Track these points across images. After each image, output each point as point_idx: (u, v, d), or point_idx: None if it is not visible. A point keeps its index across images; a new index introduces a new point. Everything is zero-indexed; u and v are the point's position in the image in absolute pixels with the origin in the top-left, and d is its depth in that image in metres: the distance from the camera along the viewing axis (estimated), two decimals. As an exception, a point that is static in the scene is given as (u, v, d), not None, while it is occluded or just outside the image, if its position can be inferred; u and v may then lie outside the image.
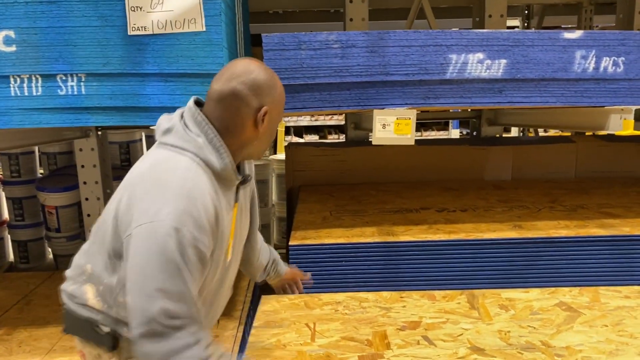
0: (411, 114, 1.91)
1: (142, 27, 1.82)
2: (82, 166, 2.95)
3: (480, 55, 1.96)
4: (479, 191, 2.81)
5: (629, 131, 1.90)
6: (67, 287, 1.38)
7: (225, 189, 1.30)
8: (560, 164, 3.06)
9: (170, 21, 1.83)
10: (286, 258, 2.18)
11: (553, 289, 1.79)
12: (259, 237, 1.70)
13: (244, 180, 1.37)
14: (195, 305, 1.17)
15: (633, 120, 1.91)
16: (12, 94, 1.81)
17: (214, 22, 1.84)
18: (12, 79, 1.81)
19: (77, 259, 1.39)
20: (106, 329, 1.29)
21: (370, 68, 1.95)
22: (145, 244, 1.13)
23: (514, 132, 5.03)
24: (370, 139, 1.97)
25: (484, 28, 2.95)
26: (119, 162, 3.59)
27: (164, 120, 1.32)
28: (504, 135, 4.81)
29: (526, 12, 3.96)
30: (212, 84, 1.30)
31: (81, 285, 1.33)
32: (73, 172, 3.10)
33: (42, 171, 3.65)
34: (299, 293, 1.84)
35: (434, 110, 3.51)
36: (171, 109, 1.89)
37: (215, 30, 1.85)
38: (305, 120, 6.81)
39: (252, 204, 1.57)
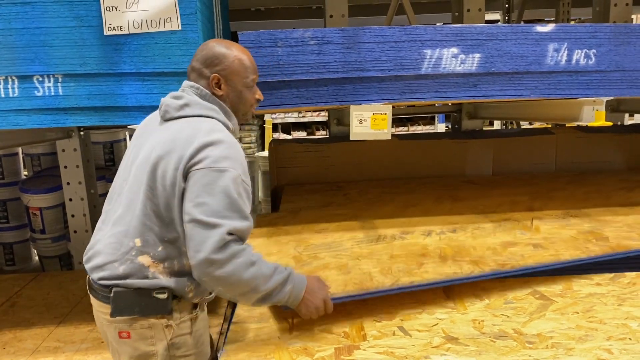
0: (387, 109, 1.93)
1: (118, 27, 1.83)
2: (65, 167, 2.96)
3: (454, 50, 1.98)
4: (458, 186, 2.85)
5: (601, 122, 1.93)
6: (114, 271, 1.43)
7: None
8: (540, 156, 3.10)
9: (146, 20, 1.84)
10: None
11: (527, 278, 1.83)
12: None
13: None
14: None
15: (605, 112, 1.95)
16: (-12, 95, 1.82)
17: (190, 21, 1.86)
18: (-13, 81, 1.81)
19: (113, 242, 1.45)
20: (163, 295, 1.41)
21: (346, 64, 1.97)
22: (205, 184, 1.36)
23: (497, 124, 5.08)
24: (353, 134, 2.02)
25: (462, 22, 2.98)
26: (103, 162, 3.60)
27: (172, 100, 1.52)
28: (487, 128, 4.86)
29: (507, 5, 3.99)
30: None
31: (133, 261, 1.42)
32: (57, 173, 3.10)
33: (26, 173, 3.65)
34: None
35: (419, 105, 3.54)
36: (149, 108, 1.93)
37: (191, 29, 1.86)
38: (292, 117, 6.82)
39: None
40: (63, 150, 2.92)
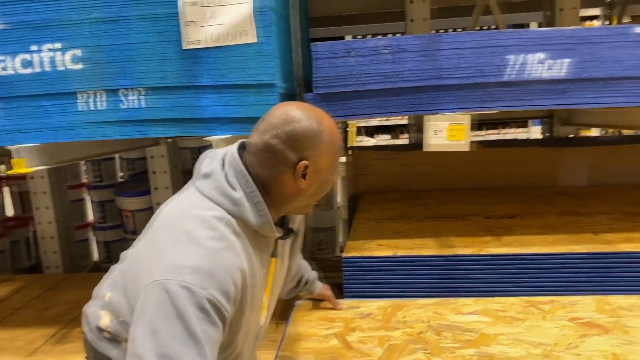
0: (464, 119, 1.84)
1: (196, 40, 1.88)
2: (154, 172, 3.11)
3: (540, 55, 1.84)
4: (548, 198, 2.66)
5: None
6: (87, 307, 1.33)
7: (261, 244, 1.22)
8: (643, 166, 2.83)
9: (223, 34, 1.88)
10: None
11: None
12: (298, 261, 1.66)
13: (287, 234, 1.29)
14: None
15: None
16: (80, 108, 1.94)
17: (266, 34, 1.87)
18: (79, 95, 1.93)
19: (104, 281, 1.35)
20: None
21: (422, 72, 1.89)
22: (160, 303, 1.02)
23: (596, 130, 4.70)
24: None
25: (555, 22, 2.79)
26: (191, 167, 3.74)
27: (207, 161, 1.25)
28: (583, 134, 4.52)
29: (608, 0, 3.68)
30: (251, 134, 1.22)
31: (98, 309, 1.29)
32: (148, 178, 3.28)
33: (122, 174, 3.89)
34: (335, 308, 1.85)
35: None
36: (225, 120, 1.97)
37: (267, 41, 1.88)
38: (376, 120, 6.76)
39: (294, 248, 1.50)
40: (152, 157, 3.07)
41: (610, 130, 4.09)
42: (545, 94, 1.86)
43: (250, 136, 1.21)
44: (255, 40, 1.88)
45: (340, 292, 2.05)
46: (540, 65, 1.85)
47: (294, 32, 2.36)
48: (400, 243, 2.19)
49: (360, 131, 6.94)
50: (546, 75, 1.85)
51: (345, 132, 6.72)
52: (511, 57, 1.85)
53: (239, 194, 1.15)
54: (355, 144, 6.53)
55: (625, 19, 4.32)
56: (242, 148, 1.23)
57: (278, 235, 1.24)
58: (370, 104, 1.93)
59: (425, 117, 1.86)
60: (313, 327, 1.74)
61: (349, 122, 6.58)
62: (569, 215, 2.40)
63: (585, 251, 1.95)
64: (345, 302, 1.90)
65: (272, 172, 1.17)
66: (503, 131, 6.62)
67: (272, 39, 1.88)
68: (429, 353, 1.53)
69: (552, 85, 1.86)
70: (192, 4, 1.85)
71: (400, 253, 2.07)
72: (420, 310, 1.80)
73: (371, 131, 6.94)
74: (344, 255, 2.09)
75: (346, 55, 1.91)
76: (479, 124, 6.86)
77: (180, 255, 1.07)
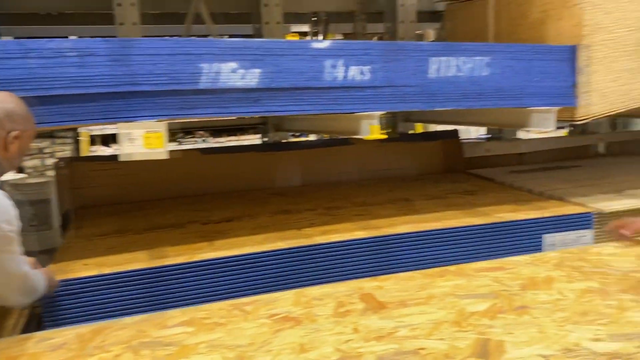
0: (161, 127, 1.81)
1: None
2: None
3: (233, 65, 1.92)
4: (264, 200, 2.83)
5: (376, 135, 2.02)
6: None
7: None
8: (344, 165, 3.21)
9: None
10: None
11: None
12: None
13: None
14: None
15: (378, 125, 2.04)
16: None
17: None
18: None
19: None
20: None
21: (115, 78, 1.80)
22: None
23: (313, 136, 5.22)
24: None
25: (262, 35, 2.98)
26: None
27: None
28: (308, 138, 4.98)
29: (314, 19, 4.11)
30: None
31: None
32: None
33: None
34: None
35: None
36: None
37: None
38: (111, 128, 6.36)
39: None
40: None
41: (326, 135, 4.56)
42: (240, 101, 1.95)
43: None
44: None
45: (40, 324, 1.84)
46: (233, 74, 1.93)
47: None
48: (109, 260, 2.05)
49: (95, 140, 6.47)
50: (240, 84, 1.94)
51: (76, 142, 6.17)
52: (205, 66, 1.89)
53: None
54: (89, 154, 6.05)
55: (337, 36, 4.89)
56: None
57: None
58: (57, 110, 1.77)
59: (119, 125, 1.78)
60: (-6, 371, 1.51)
61: (81, 130, 6.06)
62: (280, 214, 2.58)
63: (286, 247, 2.11)
64: (37, 335, 1.69)
65: None
66: (242, 137, 6.89)
67: None
68: (121, 377, 1.44)
69: (246, 93, 1.96)
70: None
71: (106, 271, 1.95)
72: (122, 332, 1.68)
73: (107, 140, 6.51)
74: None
75: (24, 57, 1.71)
76: (219, 131, 7.02)
77: None
